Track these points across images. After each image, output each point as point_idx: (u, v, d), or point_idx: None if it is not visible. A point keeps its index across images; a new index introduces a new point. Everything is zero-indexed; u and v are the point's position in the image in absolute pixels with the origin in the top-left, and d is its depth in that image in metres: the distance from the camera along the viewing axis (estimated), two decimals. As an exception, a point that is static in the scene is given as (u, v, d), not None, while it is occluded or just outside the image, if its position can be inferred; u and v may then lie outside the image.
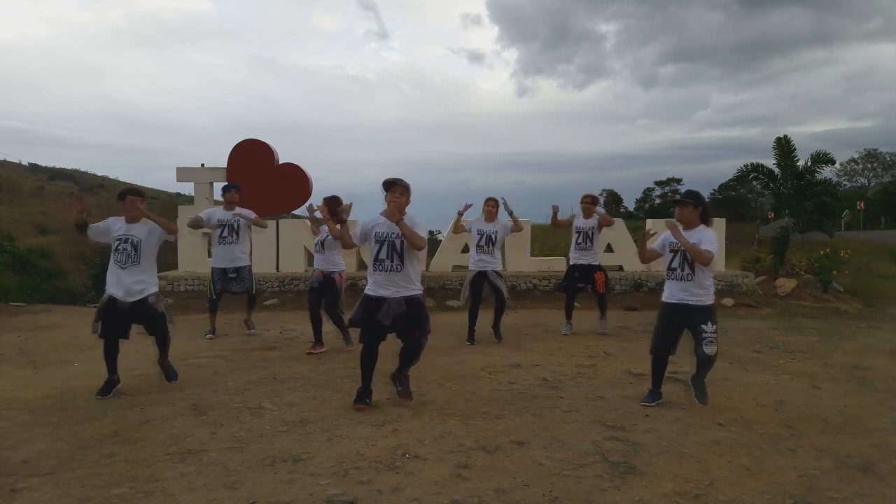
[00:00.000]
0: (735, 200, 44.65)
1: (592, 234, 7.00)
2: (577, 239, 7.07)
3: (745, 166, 13.52)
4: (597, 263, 7.09)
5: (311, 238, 10.33)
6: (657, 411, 4.28)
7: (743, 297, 9.78)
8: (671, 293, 4.34)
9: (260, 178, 9.73)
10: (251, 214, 6.83)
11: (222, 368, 5.50)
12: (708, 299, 4.27)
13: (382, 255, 4.19)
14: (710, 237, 4.23)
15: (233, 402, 4.46)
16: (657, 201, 49.61)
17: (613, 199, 50.64)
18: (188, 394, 4.65)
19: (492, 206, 6.67)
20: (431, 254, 10.17)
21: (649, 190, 50.80)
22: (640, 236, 5.02)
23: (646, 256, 4.69)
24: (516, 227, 6.82)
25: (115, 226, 4.62)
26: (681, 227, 4.25)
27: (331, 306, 6.23)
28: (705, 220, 4.33)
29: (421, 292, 4.33)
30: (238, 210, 6.80)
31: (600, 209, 7.23)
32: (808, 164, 12.73)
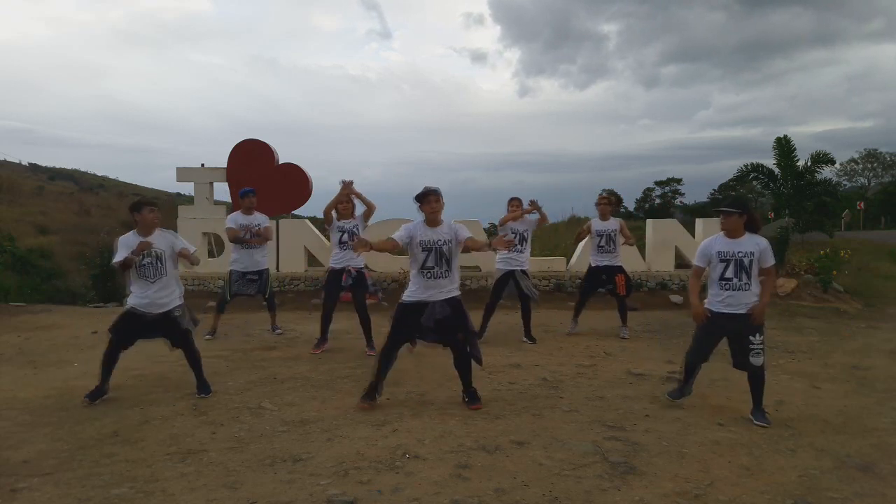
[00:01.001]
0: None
1: (615, 235, 6.90)
2: (600, 241, 6.94)
3: (745, 166, 13.55)
4: (619, 265, 6.96)
5: (311, 238, 10.43)
6: (657, 411, 4.28)
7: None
8: (725, 303, 4.11)
9: (260, 178, 9.72)
10: (266, 221, 6.94)
11: (222, 368, 5.50)
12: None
13: (430, 262, 4.27)
14: (768, 249, 4.08)
15: (233, 402, 4.47)
16: (657, 201, 49.45)
17: (613, 199, 50.41)
18: (188, 394, 4.65)
19: (517, 206, 6.65)
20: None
21: (649, 190, 50.64)
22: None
23: (700, 279, 4.36)
24: (543, 220, 6.70)
25: (132, 241, 4.41)
26: (730, 241, 4.12)
27: (365, 306, 6.07)
28: (752, 228, 4.16)
29: (460, 293, 4.41)
30: (258, 217, 6.85)
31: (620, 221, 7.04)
32: (808, 164, 12.75)
